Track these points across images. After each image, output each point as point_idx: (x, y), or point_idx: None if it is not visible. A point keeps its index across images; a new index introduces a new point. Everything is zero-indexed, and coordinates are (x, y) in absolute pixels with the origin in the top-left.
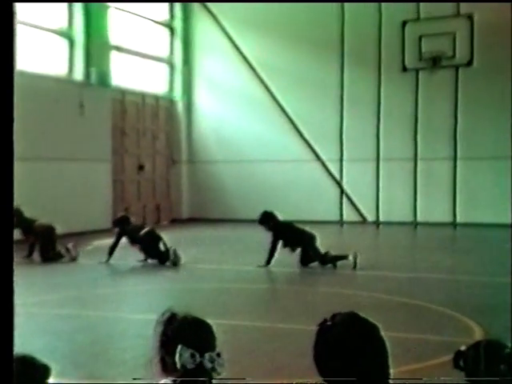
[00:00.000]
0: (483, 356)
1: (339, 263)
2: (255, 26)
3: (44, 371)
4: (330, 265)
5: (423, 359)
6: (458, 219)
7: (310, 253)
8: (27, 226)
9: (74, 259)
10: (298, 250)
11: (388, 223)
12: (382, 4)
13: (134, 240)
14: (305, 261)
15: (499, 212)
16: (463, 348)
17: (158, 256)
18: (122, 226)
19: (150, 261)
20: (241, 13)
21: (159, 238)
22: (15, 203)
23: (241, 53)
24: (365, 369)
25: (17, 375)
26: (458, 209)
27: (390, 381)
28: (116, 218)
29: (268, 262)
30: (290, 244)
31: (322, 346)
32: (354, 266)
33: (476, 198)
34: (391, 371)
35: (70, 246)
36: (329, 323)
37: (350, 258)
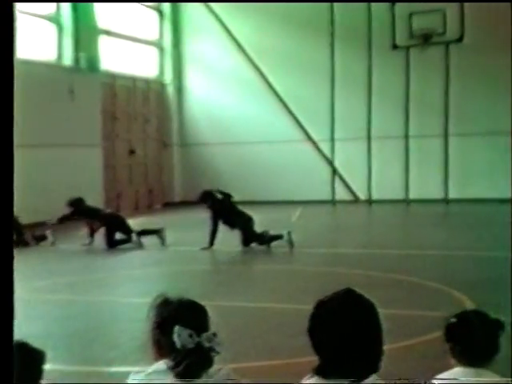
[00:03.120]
0: (476, 325)
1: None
2: (244, 6)
3: (40, 357)
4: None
5: (416, 335)
6: (451, 195)
7: (248, 233)
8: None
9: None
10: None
11: (380, 201)
12: None
13: (96, 219)
14: (246, 241)
15: (491, 187)
16: (453, 320)
17: (119, 240)
18: (77, 207)
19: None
20: None
21: (123, 222)
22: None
23: (231, 34)
24: (359, 344)
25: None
26: (450, 185)
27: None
28: (71, 199)
29: (211, 243)
30: (228, 223)
31: (316, 322)
32: (291, 245)
33: (468, 174)
34: (385, 347)
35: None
36: (324, 299)
37: (285, 236)
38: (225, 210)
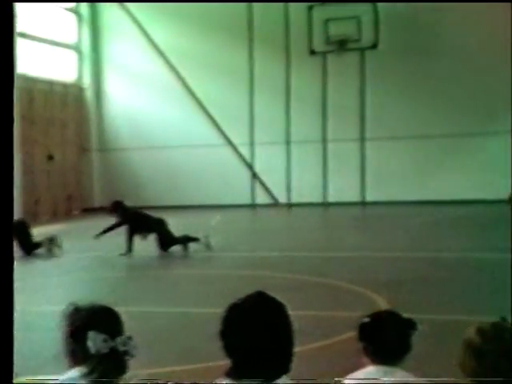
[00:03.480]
0: (388, 325)
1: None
2: (164, 11)
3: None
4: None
5: (331, 335)
6: (367, 198)
7: (164, 237)
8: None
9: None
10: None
11: (300, 204)
12: None
13: None
14: (163, 246)
15: (406, 189)
16: (366, 320)
17: (27, 247)
18: None
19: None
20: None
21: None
22: None
23: (150, 38)
24: (269, 346)
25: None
26: (367, 188)
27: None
28: None
29: (129, 249)
30: (140, 231)
31: (228, 324)
32: (208, 248)
33: (384, 177)
34: (296, 349)
35: None
36: (236, 302)
37: (202, 240)
38: (135, 217)
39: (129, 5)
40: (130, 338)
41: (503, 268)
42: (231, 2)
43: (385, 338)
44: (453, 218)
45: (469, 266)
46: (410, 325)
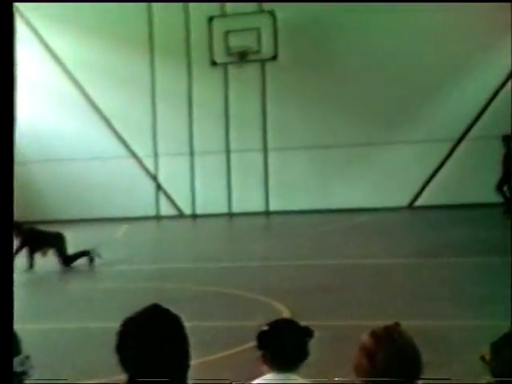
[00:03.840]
0: (286, 333)
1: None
2: (64, 21)
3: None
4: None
5: (234, 345)
6: (271, 208)
7: (63, 252)
8: None
9: None
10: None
11: (205, 215)
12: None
13: None
14: (64, 261)
15: (309, 198)
16: (265, 329)
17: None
18: None
19: None
20: (49, 9)
21: None
22: None
23: (50, 49)
24: (164, 358)
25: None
26: (270, 198)
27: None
28: None
29: (30, 265)
30: (39, 247)
31: (123, 338)
32: (91, 262)
33: (287, 187)
34: (199, 360)
35: None
36: (131, 316)
37: (92, 253)
38: (31, 234)
39: (28, 15)
40: (27, 357)
41: (399, 273)
42: (130, 12)
43: (282, 345)
44: (354, 226)
45: (368, 272)
46: (307, 332)
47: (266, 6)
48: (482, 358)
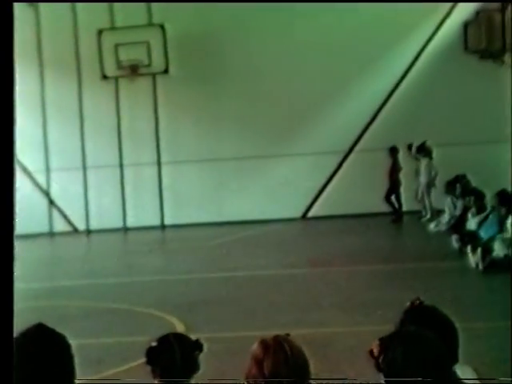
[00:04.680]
0: (174, 347)
1: None
2: None
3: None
4: None
5: (126, 361)
6: (166, 221)
7: None
8: None
9: None
10: None
11: (99, 231)
12: (78, 12)
13: None
14: None
15: (204, 211)
16: (154, 344)
17: None
18: None
19: None
20: None
21: None
22: None
23: None
24: (46, 379)
25: None
26: (165, 211)
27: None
28: None
29: None
30: None
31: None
32: None
33: (182, 200)
34: (92, 377)
35: None
36: (16, 335)
37: None
38: None
39: None
40: None
41: (292, 283)
42: (18, 24)
43: (171, 360)
44: (248, 238)
45: (261, 284)
46: (197, 346)
47: (156, 19)
48: (371, 352)
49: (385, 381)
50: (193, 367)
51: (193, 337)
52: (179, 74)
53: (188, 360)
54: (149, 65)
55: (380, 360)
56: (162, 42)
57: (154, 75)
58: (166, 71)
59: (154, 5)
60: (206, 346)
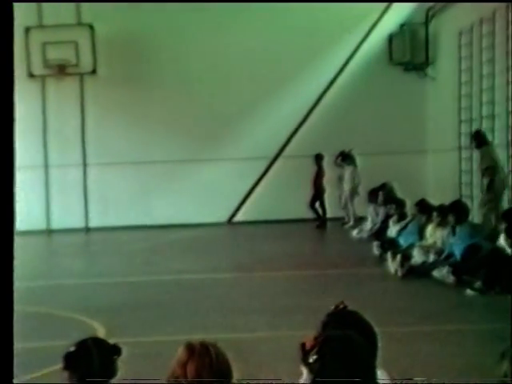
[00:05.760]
0: (92, 352)
1: None
2: None
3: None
4: None
5: (45, 366)
6: (91, 224)
7: None
8: None
9: None
10: None
11: (23, 233)
12: None
13: None
14: None
15: (131, 215)
16: (72, 349)
17: None
18: None
19: None
20: None
21: None
22: None
23: None
24: None
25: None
26: (90, 214)
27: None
28: None
29: None
30: None
31: None
32: None
33: (108, 202)
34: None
35: None
36: None
37: None
38: None
39: None
40: None
41: (217, 288)
42: None
43: (88, 365)
44: (175, 242)
45: (186, 288)
46: (115, 350)
47: (85, 18)
48: (302, 346)
49: (314, 380)
50: (111, 372)
51: (113, 341)
52: (107, 74)
53: (106, 365)
54: (76, 65)
55: (310, 356)
56: (90, 42)
57: (81, 75)
58: (93, 72)
59: (83, 4)
60: (125, 351)
